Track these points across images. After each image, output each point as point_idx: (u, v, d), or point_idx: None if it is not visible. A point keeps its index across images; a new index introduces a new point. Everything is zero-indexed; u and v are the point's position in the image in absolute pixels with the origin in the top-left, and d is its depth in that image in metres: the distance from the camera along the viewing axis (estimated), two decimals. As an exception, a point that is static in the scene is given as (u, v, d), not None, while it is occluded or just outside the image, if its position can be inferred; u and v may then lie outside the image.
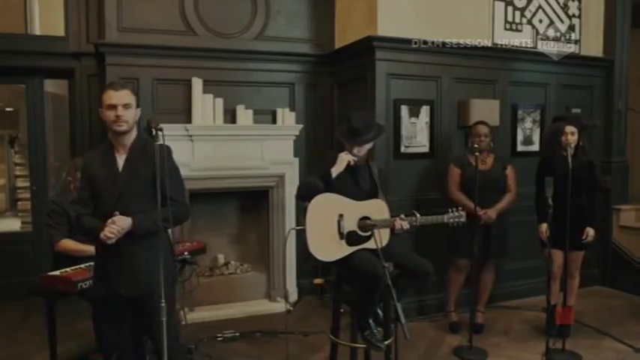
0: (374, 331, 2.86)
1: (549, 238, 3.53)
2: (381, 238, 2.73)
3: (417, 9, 4.20)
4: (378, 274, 2.59)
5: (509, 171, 4.00)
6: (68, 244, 3.23)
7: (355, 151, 2.95)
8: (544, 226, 3.67)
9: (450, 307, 4.11)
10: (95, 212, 2.42)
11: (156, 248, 2.26)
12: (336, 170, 2.89)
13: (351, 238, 2.87)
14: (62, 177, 3.50)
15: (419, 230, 4.24)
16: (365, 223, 2.89)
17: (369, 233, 2.85)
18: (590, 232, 3.76)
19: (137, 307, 2.48)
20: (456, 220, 3.02)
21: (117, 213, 2.31)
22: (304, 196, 2.89)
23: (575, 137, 3.65)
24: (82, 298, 3.14)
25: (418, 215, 2.93)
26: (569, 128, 3.66)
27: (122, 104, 2.33)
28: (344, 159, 2.92)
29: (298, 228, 2.83)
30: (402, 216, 2.92)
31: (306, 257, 2.92)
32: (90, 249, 3.17)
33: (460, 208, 3.07)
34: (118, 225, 2.29)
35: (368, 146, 3.01)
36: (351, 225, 2.87)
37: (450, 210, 3.04)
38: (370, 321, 2.87)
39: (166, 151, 2.35)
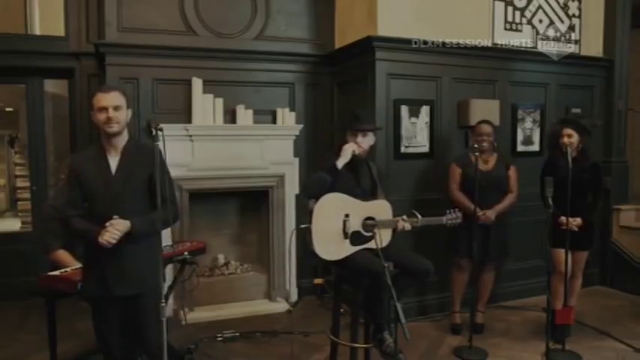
0: (390, 343, 2.84)
1: (550, 237, 3.52)
2: (383, 238, 2.74)
3: (417, 9, 4.20)
4: (378, 270, 2.60)
5: (512, 171, 3.99)
6: (60, 255, 3.20)
7: (358, 139, 2.97)
8: (563, 218, 3.58)
9: (455, 307, 4.10)
10: (88, 214, 2.42)
11: (152, 248, 2.31)
12: (341, 162, 2.89)
13: (355, 238, 2.89)
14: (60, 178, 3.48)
15: (419, 230, 4.27)
16: (368, 223, 2.91)
17: (372, 233, 2.86)
18: (577, 220, 3.62)
19: (130, 306, 2.49)
20: (454, 221, 3.10)
21: (116, 217, 2.33)
22: (312, 194, 2.88)
23: (574, 139, 3.65)
24: (81, 299, 3.15)
25: (420, 217, 2.98)
26: (566, 131, 3.68)
27: (112, 106, 2.36)
28: (348, 149, 2.92)
29: (303, 226, 2.83)
30: (404, 217, 2.97)
31: (307, 256, 2.92)
32: (75, 265, 3.17)
33: (457, 210, 3.14)
34: (117, 229, 2.32)
35: (369, 140, 3.03)
36: (355, 225, 2.90)
37: (447, 211, 3.11)
38: (385, 334, 2.87)
39: (160, 152, 2.33)
